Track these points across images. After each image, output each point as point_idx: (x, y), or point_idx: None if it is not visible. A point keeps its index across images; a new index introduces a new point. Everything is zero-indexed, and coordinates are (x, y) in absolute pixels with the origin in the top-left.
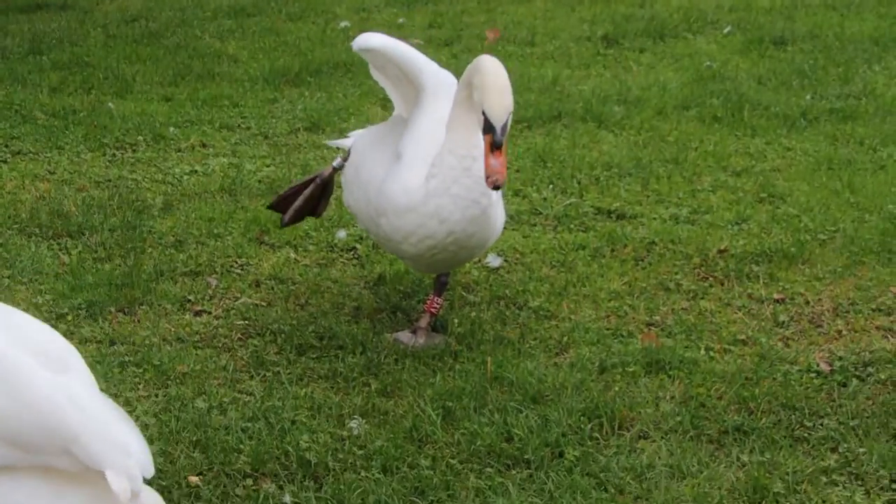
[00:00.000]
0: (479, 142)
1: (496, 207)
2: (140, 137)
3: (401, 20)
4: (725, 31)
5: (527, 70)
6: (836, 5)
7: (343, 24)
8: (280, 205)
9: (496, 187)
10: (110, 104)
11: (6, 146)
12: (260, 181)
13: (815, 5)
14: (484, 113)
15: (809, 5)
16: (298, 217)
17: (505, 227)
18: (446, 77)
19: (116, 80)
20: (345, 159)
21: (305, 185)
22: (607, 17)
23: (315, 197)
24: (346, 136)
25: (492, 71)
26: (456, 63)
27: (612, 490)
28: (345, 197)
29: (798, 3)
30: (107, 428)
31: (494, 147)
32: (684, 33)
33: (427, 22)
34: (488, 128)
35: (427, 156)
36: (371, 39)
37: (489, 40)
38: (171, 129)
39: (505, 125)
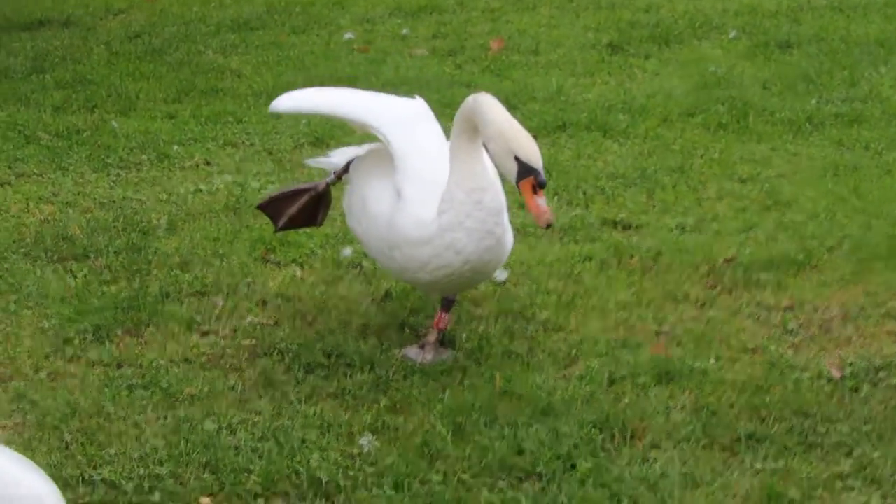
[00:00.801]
0: (485, 171)
1: (506, 228)
2: (144, 156)
3: (405, 31)
4: (731, 35)
5: (531, 79)
6: (843, 7)
7: (347, 35)
8: (269, 207)
9: (549, 226)
10: (114, 122)
11: (10, 168)
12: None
13: (822, 7)
14: (518, 159)
15: (816, 7)
16: (294, 225)
17: None
18: (398, 108)
19: (120, 98)
20: (338, 176)
21: (298, 192)
22: (612, 23)
23: (311, 207)
24: (327, 156)
25: (501, 116)
26: (460, 74)
27: (626, 501)
28: (350, 223)
29: (804, 6)
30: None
31: (540, 188)
32: (690, 38)
33: (431, 32)
34: (527, 171)
35: (429, 190)
36: (281, 103)
37: (493, 50)
38: (175, 146)
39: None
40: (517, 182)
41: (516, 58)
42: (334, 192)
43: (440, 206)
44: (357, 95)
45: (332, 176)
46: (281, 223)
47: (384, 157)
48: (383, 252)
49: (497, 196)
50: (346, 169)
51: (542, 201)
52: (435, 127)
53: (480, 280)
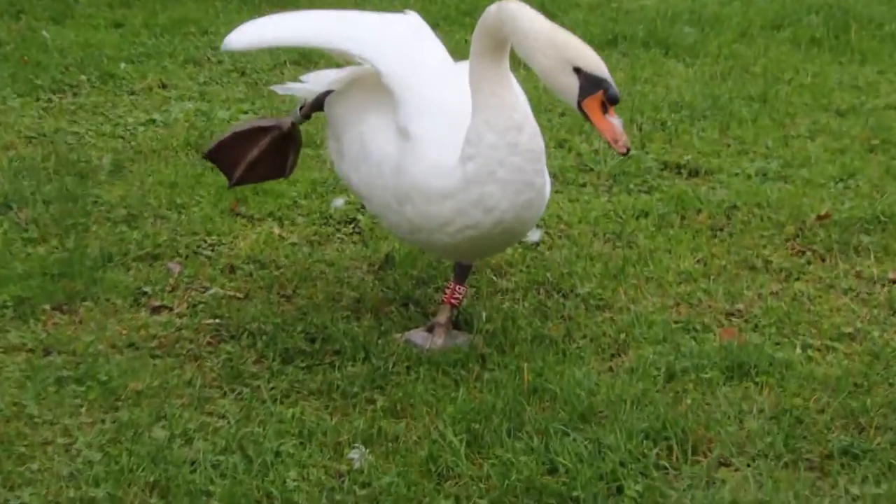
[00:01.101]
0: (519, 104)
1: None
2: (83, 77)
3: None
4: None
5: None
6: None
7: None
8: (221, 153)
9: (628, 152)
10: (45, 33)
11: None
12: None
13: None
14: (579, 70)
15: None
16: (255, 176)
17: None
18: (387, 27)
19: (53, 1)
20: (306, 113)
21: (257, 131)
22: None
23: (276, 151)
24: (299, 81)
25: (541, 21)
26: None
27: None
28: (342, 171)
29: None
30: None
31: (611, 103)
32: None
33: None
34: (593, 84)
35: (444, 126)
36: (233, 40)
37: None
38: (123, 64)
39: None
40: (580, 101)
41: None
42: (313, 128)
43: (464, 151)
44: (332, 17)
45: (297, 112)
46: (237, 175)
47: (377, 85)
48: (390, 207)
49: (536, 135)
50: (318, 103)
51: (616, 121)
52: (439, 47)
53: (511, 243)
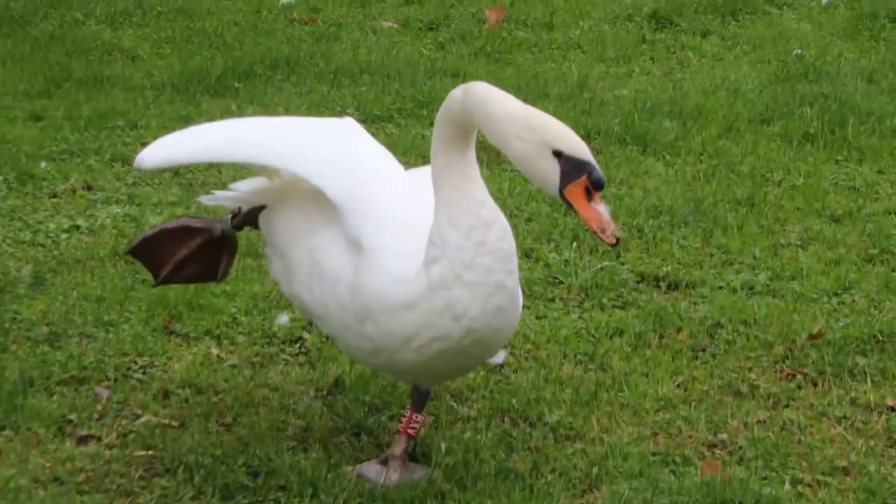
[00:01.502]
0: (486, 196)
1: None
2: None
3: None
4: (823, 2)
5: (543, 67)
6: None
7: None
8: (143, 251)
9: (617, 242)
10: None
11: None
12: None
13: None
14: (560, 154)
15: None
16: (184, 276)
17: None
18: (322, 133)
19: None
20: (237, 223)
21: (185, 231)
22: None
23: (207, 253)
24: (229, 189)
25: (514, 104)
26: (443, 58)
27: None
28: (293, 291)
29: None
30: None
31: (596, 189)
32: (765, 6)
33: None
34: (575, 169)
35: (402, 234)
36: (147, 158)
37: (490, 23)
38: (43, 163)
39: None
40: (562, 188)
41: (522, 34)
42: (255, 234)
43: (427, 253)
44: (255, 127)
45: (229, 219)
46: (163, 274)
47: (318, 195)
48: (349, 328)
49: (506, 232)
50: (250, 218)
51: (603, 209)
52: (383, 153)
53: (483, 359)
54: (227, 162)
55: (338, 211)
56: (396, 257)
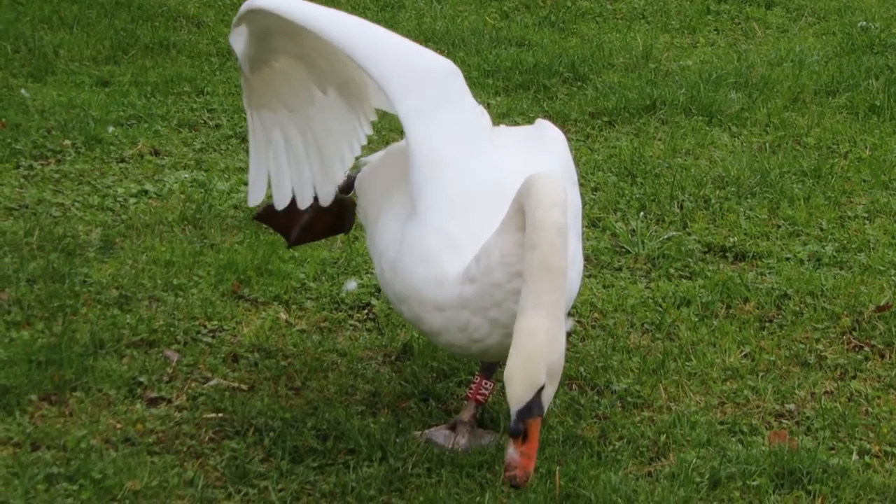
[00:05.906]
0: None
1: (572, 263)
2: (67, 141)
3: None
4: None
5: (607, 37)
6: None
7: None
8: (273, 215)
9: (514, 486)
10: (24, 91)
11: None
12: (236, 206)
13: None
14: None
15: None
16: (313, 236)
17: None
18: (427, 62)
19: (32, 56)
20: (345, 184)
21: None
22: None
23: (328, 212)
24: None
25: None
26: (507, 27)
27: None
28: (367, 243)
29: None
30: None
31: (512, 435)
32: None
33: None
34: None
35: (459, 210)
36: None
37: None
38: (111, 128)
39: (529, 407)
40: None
41: (586, 3)
42: None
43: (469, 269)
44: (374, 30)
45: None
46: (294, 235)
47: (395, 164)
48: (393, 295)
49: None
50: (349, 184)
51: (514, 453)
52: (479, 109)
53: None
54: (327, 40)
55: (409, 159)
56: (442, 243)
